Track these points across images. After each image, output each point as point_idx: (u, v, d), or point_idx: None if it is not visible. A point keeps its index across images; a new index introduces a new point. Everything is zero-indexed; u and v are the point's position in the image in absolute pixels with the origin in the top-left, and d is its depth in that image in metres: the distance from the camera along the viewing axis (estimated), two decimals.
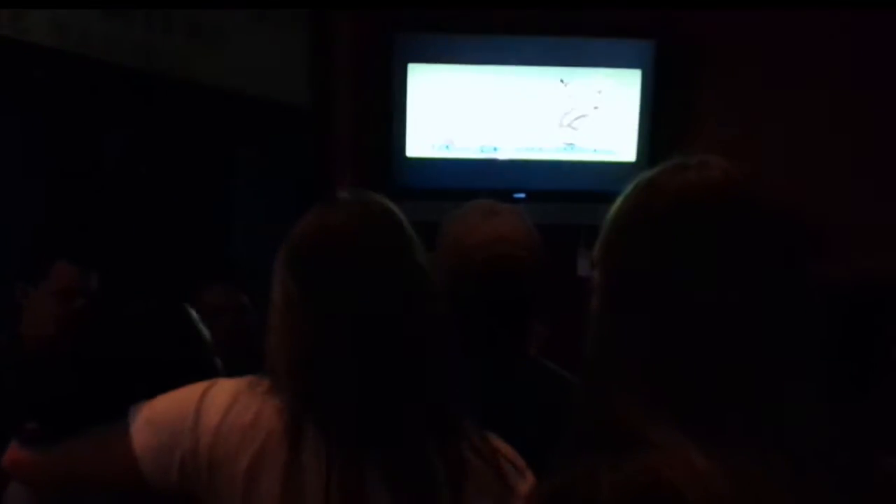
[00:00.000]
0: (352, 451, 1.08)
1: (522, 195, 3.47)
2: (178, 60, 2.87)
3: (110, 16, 2.66)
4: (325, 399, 1.09)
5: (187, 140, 2.94)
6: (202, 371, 1.26)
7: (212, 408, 1.11)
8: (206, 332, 1.41)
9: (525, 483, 1.12)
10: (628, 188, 0.88)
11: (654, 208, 0.85)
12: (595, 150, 3.50)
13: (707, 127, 3.43)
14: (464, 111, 3.46)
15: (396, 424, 1.09)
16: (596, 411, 0.81)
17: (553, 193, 3.44)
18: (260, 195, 3.25)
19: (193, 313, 1.42)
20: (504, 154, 3.50)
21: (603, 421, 0.80)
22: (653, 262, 0.83)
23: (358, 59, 3.52)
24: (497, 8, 3.35)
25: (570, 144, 3.50)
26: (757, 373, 0.79)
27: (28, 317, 1.29)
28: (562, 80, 3.46)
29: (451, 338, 1.15)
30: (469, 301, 1.41)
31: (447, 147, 3.49)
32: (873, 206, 3.19)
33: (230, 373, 1.27)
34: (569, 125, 3.49)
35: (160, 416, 1.13)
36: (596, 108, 3.47)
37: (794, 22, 3.31)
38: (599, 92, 3.46)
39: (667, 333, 0.80)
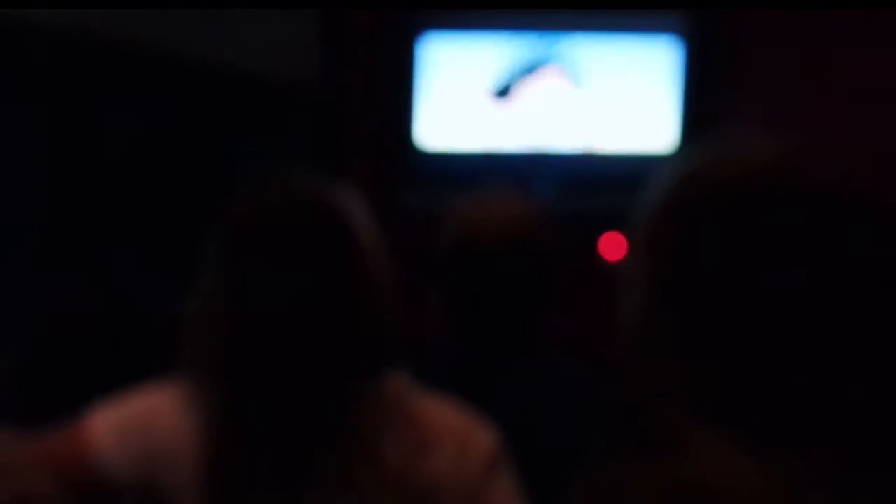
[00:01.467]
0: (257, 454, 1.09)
1: (545, 186, 3.32)
2: (180, 34, 2.79)
3: None
4: (235, 385, 1.11)
5: (191, 119, 2.87)
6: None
7: (163, 412, 1.14)
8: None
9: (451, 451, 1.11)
10: (668, 179, 0.84)
11: (700, 199, 0.81)
12: (622, 137, 3.33)
13: (741, 108, 3.26)
14: (483, 97, 3.33)
15: (301, 418, 1.10)
16: (632, 414, 0.80)
17: (575, 183, 3.30)
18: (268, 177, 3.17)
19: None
20: (524, 144, 3.36)
21: (639, 425, 0.79)
22: (700, 257, 0.79)
23: (374, 40, 3.42)
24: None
25: (597, 132, 3.35)
26: (805, 376, 0.75)
27: None
28: (589, 62, 3.31)
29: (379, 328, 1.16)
30: (455, 283, 1.46)
31: (466, 138, 3.36)
32: None
33: None
34: (593, 111, 3.33)
35: (120, 415, 1.16)
36: (622, 94, 3.31)
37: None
38: (627, 76, 3.30)
39: (712, 331, 0.77)
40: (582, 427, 1.36)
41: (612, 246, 3.06)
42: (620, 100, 3.32)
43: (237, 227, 1.16)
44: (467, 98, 3.33)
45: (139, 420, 1.15)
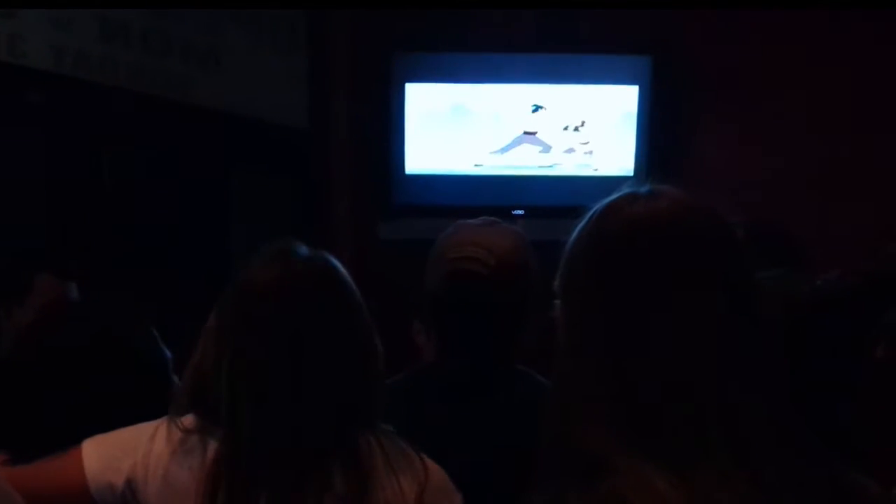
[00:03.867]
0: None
1: (520, 212, 3.49)
2: (177, 83, 2.90)
3: (108, 38, 2.69)
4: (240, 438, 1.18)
5: (185, 162, 2.96)
6: (159, 396, 1.34)
7: (159, 449, 1.21)
8: (166, 352, 1.47)
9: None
10: (582, 219, 0.91)
11: (604, 236, 0.88)
12: (593, 166, 3.51)
13: (703, 141, 3.45)
14: (462, 128, 3.48)
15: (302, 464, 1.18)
16: (562, 438, 0.83)
17: (551, 209, 3.44)
18: (259, 216, 3.26)
19: (156, 335, 1.48)
20: (502, 171, 3.52)
21: (570, 448, 0.82)
22: (605, 289, 0.85)
23: (356, 78, 3.55)
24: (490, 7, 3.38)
25: (569, 160, 3.51)
26: (714, 393, 0.80)
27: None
28: (559, 97, 3.48)
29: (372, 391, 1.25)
30: (436, 305, 1.48)
31: (445, 164, 3.50)
32: (869, 212, 3.20)
33: None
34: (566, 141, 3.50)
35: (114, 446, 1.22)
36: (593, 123, 3.49)
37: (789, 36, 3.35)
38: (597, 108, 3.49)
39: (624, 359, 0.82)
40: None
41: None
42: (590, 131, 3.49)
43: (250, 291, 1.23)
44: (447, 130, 3.47)
45: (131, 449, 1.21)
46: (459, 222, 1.54)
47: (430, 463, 1.23)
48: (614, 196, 0.91)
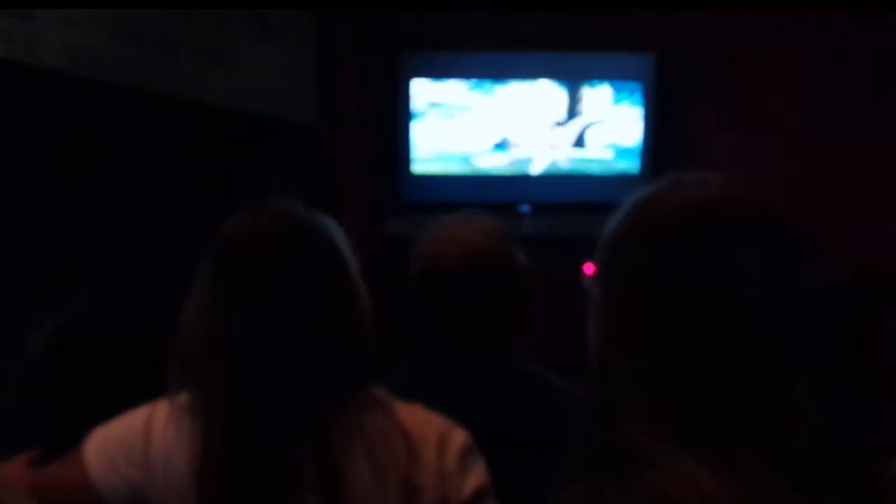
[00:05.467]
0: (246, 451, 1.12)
1: (527, 208, 3.51)
2: (186, 81, 2.92)
3: (120, 39, 2.71)
4: (225, 395, 1.14)
5: (194, 160, 2.98)
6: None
7: (157, 433, 1.18)
8: None
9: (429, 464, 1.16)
10: (625, 206, 0.90)
11: (653, 226, 0.86)
12: (598, 163, 3.53)
13: (708, 138, 3.46)
14: (468, 125, 3.50)
15: (286, 422, 1.13)
16: (600, 430, 0.82)
17: (557, 206, 3.48)
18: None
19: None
20: (508, 168, 3.54)
21: (607, 439, 0.81)
22: (653, 279, 0.84)
23: (363, 76, 3.56)
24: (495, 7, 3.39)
25: (574, 158, 3.53)
26: (758, 386, 0.80)
27: None
28: (564, 95, 3.50)
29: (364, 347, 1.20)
30: (422, 304, 1.50)
31: (452, 162, 3.53)
32: (875, 209, 3.22)
33: None
34: (571, 138, 3.53)
35: (112, 440, 1.20)
36: (598, 121, 3.51)
37: (793, 32, 3.36)
38: (601, 105, 3.51)
39: (668, 350, 0.81)
40: (553, 440, 1.40)
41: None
42: (596, 128, 3.51)
43: (225, 248, 1.19)
44: (456, 126, 3.50)
45: (128, 443, 1.18)
46: (439, 219, 1.57)
47: (427, 434, 1.18)
48: (659, 185, 0.89)
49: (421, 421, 1.21)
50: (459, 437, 1.20)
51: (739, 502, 0.75)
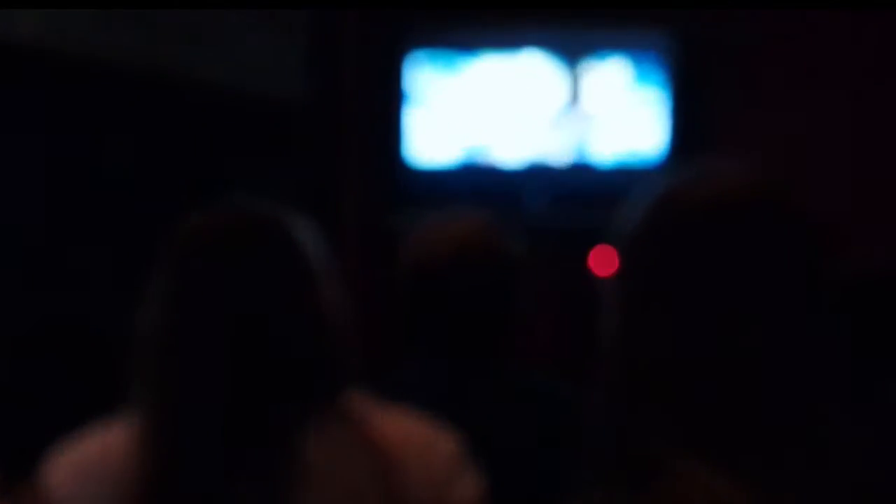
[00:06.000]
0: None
1: (536, 200, 3.38)
2: (177, 60, 2.86)
3: (107, 18, 2.65)
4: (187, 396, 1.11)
5: (186, 141, 2.91)
6: None
7: (117, 446, 1.12)
8: None
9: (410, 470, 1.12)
10: (645, 200, 0.87)
11: (675, 221, 0.84)
12: (614, 150, 3.38)
13: (731, 121, 3.31)
14: (472, 115, 3.38)
15: (257, 424, 1.10)
16: (614, 438, 0.81)
17: (568, 197, 3.34)
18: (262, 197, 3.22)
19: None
20: (516, 158, 3.41)
21: (620, 444, 0.80)
22: (674, 277, 0.82)
23: (364, 69, 3.48)
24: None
25: (588, 144, 3.40)
26: (786, 390, 0.78)
27: None
28: (576, 75, 3.35)
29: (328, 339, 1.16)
30: (411, 296, 1.52)
31: (456, 153, 3.41)
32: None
33: None
34: (582, 124, 3.39)
35: (73, 459, 1.15)
36: (614, 106, 3.36)
37: (819, 14, 3.22)
38: (619, 88, 3.35)
39: (688, 351, 0.79)
40: (549, 442, 1.37)
41: (602, 260, 3.09)
42: (610, 113, 3.37)
43: (180, 244, 1.17)
44: (456, 115, 3.38)
45: (94, 461, 1.14)
46: (428, 217, 1.57)
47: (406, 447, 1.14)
48: (679, 178, 0.86)
49: (404, 429, 1.16)
50: (447, 444, 1.16)
51: None
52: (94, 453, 1.14)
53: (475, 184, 3.37)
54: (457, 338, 1.50)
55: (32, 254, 2.19)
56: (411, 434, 1.15)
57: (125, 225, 2.65)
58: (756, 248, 0.80)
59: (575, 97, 3.36)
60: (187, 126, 2.91)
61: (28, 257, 2.20)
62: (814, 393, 0.78)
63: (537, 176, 3.41)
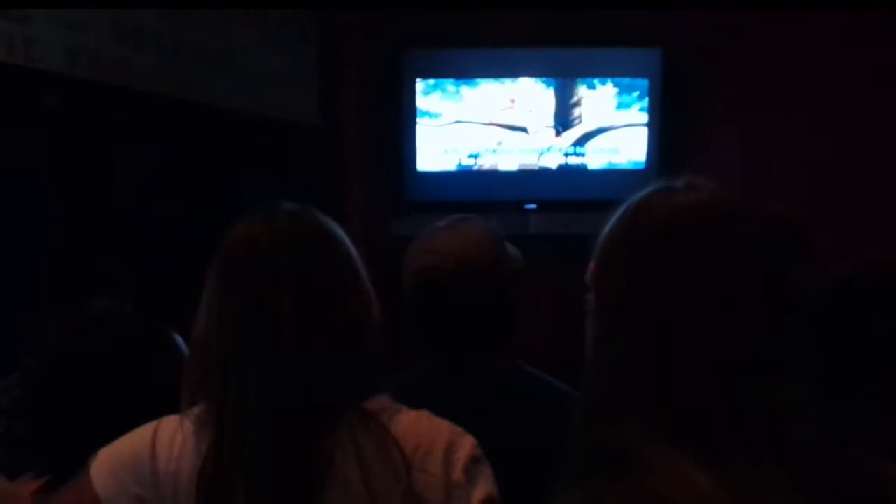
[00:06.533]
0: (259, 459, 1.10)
1: (533, 206, 3.50)
2: (189, 83, 2.92)
3: (121, 40, 2.71)
4: (230, 392, 1.12)
5: (198, 161, 2.98)
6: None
7: (163, 448, 1.15)
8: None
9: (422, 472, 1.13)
10: (617, 212, 0.90)
11: (644, 232, 0.86)
12: (605, 160, 3.52)
13: (715, 133, 3.45)
14: (473, 124, 3.49)
15: (291, 425, 1.12)
16: (595, 433, 0.82)
17: (564, 203, 3.47)
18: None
19: (177, 337, 1.45)
20: (514, 165, 3.53)
21: (603, 443, 0.81)
22: (644, 284, 0.84)
23: (367, 76, 3.56)
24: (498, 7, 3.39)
25: (580, 154, 3.52)
26: (754, 387, 0.80)
27: None
28: (570, 91, 3.49)
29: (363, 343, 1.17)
30: (414, 307, 1.50)
31: (457, 160, 3.52)
32: (879, 205, 3.20)
33: None
34: (577, 135, 3.51)
35: (118, 459, 1.17)
36: (605, 117, 3.50)
37: (799, 27, 3.33)
38: (608, 101, 3.49)
39: (660, 354, 0.81)
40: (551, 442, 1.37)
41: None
42: (602, 124, 3.50)
43: (233, 250, 1.17)
44: (457, 126, 3.48)
45: (135, 461, 1.16)
46: (427, 227, 1.55)
47: (419, 453, 1.14)
48: (649, 189, 0.89)
49: (427, 429, 1.17)
50: (467, 445, 1.17)
51: (733, 500, 0.75)
52: (131, 452, 1.16)
53: (476, 190, 3.48)
54: (457, 343, 1.50)
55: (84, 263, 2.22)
56: (436, 434, 1.16)
57: (147, 239, 2.72)
58: (719, 255, 0.83)
59: (570, 110, 3.49)
60: (200, 144, 2.98)
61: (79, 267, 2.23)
62: (783, 390, 0.80)
63: (535, 183, 3.52)
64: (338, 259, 1.18)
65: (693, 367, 0.80)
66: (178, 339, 1.45)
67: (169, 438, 1.15)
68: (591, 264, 0.90)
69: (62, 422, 1.37)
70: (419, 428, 1.16)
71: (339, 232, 1.21)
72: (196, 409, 1.16)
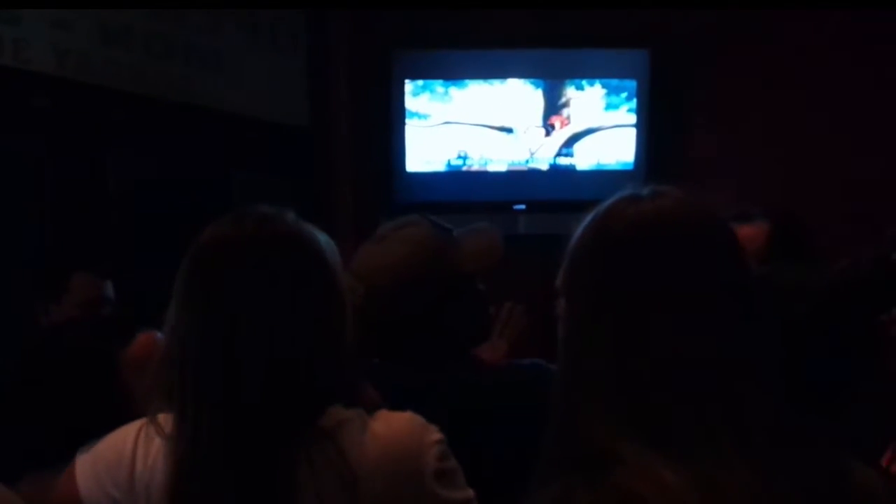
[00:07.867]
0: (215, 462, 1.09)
1: (522, 206, 3.51)
2: (178, 84, 2.93)
3: (110, 42, 2.72)
4: (192, 394, 1.10)
5: (187, 163, 2.99)
6: None
7: (141, 453, 1.14)
8: None
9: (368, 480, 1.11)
10: (585, 219, 0.92)
11: (611, 236, 0.89)
12: (593, 161, 3.54)
13: (703, 133, 3.47)
14: (462, 125, 3.50)
15: (257, 433, 1.10)
16: (568, 432, 0.84)
17: (553, 204, 3.48)
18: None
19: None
20: (503, 166, 3.54)
21: (575, 441, 0.83)
22: (610, 288, 0.87)
23: (356, 77, 3.56)
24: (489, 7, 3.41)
25: (568, 155, 3.54)
26: (717, 385, 0.82)
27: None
28: (559, 92, 3.51)
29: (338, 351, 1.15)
30: (365, 328, 1.43)
31: (446, 161, 3.53)
32: (868, 206, 3.22)
33: None
34: (566, 136, 3.53)
35: (101, 459, 1.17)
36: (593, 118, 3.52)
37: (788, 28, 3.36)
38: (596, 102, 3.51)
39: (628, 354, 0.83)
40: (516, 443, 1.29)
41: None
42: (590, 125, 3.52)
43: (202, 253, 1.13)
44: (447, 126, 3.49)
45: (115, 464, 1.15)
46: (362, 246, 1.55)
47: (372, 461, 1.11)
48: (617, 196, 0.92)
49: (398, 435, 1.14)
50: (431, 450, 1.14)
51: (703, 498, 0.77)
52: (112, 455, 1.15)
53: (465, 190, 3.49)
54: (408, 348, 1.49)
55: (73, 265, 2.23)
56: (394, 451, 1.13)
57: (136, 240, 2.74)
58: (681, 260, 0.86)
59: (559, 110, 3.50)
60: (192, 147, 2.99)
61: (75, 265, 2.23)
62: (748, 389, 0.82)
63: (524, 183, 3.53)
64: (307, 264, 1.14)
65: (658, 368, 0.82)
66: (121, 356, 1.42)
67: (148, 443, 1.14)
68: (561, 270, 0.92)
69: (41, 424, 1.35)
70: (391, 433, 1.14)
71: (314, 236, 1.17)
72: (156, 412, 1.14)
